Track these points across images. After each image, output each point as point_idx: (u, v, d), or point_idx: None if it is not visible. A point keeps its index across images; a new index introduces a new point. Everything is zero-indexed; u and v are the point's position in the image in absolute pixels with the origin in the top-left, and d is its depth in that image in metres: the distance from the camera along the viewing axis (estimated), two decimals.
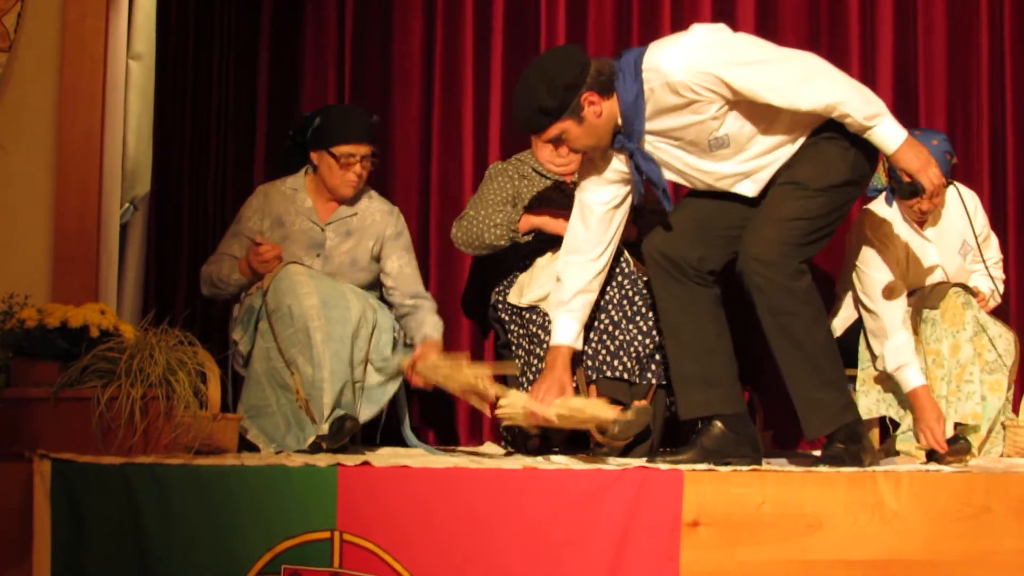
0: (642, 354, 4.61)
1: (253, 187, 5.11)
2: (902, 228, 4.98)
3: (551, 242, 4.86)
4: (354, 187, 4.86)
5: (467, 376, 4.47)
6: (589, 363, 4.57)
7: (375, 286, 4.93)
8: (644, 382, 4.63)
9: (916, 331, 4.69)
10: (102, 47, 4.59)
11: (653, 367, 4.65)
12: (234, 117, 5.54)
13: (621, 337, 4.58)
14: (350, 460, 3.92)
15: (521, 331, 4.86)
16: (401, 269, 4.93)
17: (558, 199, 4.99)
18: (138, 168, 5.14)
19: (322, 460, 3.91)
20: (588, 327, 4.56)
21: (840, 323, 5.16)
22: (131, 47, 5.02)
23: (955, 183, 4.93)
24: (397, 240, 4.97)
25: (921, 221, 4.98)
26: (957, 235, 5.04)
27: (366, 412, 4.65)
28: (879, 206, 5.02)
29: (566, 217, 4.53)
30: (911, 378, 4.63)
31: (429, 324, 4.84)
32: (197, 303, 5.31)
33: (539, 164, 5.12)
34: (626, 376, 4.57)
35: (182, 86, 5.49)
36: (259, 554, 3.68)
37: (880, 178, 5.19)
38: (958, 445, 4.48)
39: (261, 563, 3.68)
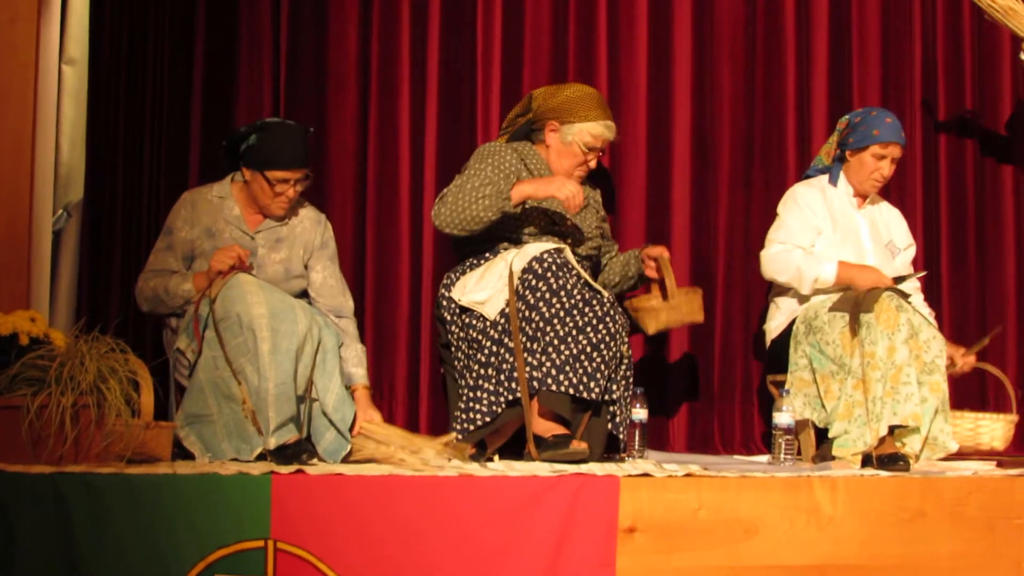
0: (589, 368, 4.50)
1: None
2: (843, 204, 5.23)
3: (518, 241, 4.84)
4: (285, 208, 4.80)
5: (398, 448, 4.49)
6: (534, 374, 4.47)
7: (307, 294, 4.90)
8: (589, 395, 4.49)
9: (854, 334, 4.72)
10: (33, 51, 4.55)
11: (600, 379, 4.53)
12: (168, 123, 5.48)
13: (567, 352, 4.48)
14: (284, 468, 3.90)
15: (461, 334, 4.77)
16: (325, 280, 4.90)
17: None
18: (71, 174, 5.10)
19: (255, 468, 3.88)
20: (532, 339, 4.52)
21: (775, 328, 5.19)
22: (64, 52, 4.98)
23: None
24: (323, 250, 4.93)
25: (864, 195, 5.26)
26: (886, 232, 5.30)
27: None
28: (813, 186, 5.25)
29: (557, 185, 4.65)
30: (827, 269, 5.02)
31: (352, 361, 4.81)
32: (130, 311, 5.24)
33: (535, 160, 4.99)
34: (571, 391, 4.46)
35: (116, 92, 5.42)
36: (192, 563, 3.65)
37: (822, 159, 5.26)
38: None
39: (194, 573, 3.65)
